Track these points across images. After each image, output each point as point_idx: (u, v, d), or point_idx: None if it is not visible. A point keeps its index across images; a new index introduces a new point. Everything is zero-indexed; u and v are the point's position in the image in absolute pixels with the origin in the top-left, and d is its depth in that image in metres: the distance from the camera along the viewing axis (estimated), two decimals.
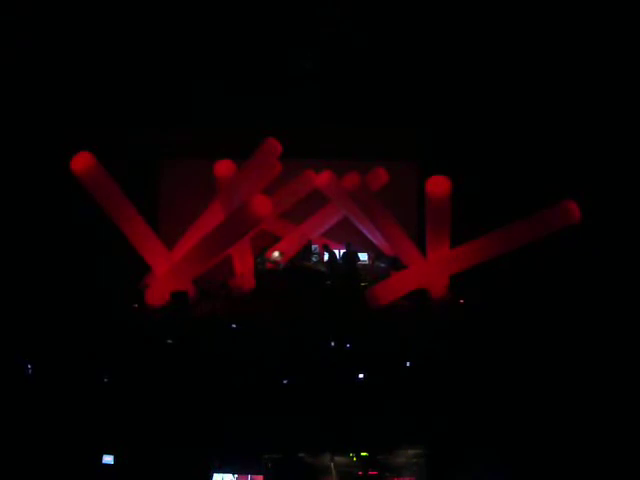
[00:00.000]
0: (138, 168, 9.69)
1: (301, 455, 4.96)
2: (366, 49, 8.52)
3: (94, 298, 7.90)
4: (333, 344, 6.84)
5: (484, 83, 8.82)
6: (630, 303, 7.53)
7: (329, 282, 9.42)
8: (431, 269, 8.32)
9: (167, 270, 8.22)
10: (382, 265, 10.20)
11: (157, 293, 8.10)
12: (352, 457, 5.15)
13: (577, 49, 8.01)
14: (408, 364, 6.59)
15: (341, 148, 10.39)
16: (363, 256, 10.73)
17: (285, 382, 6.24)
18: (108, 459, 5.21)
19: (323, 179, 10.39)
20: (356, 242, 10.72)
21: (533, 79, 8.52)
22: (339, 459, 5.12)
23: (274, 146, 8.91)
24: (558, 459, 5.11)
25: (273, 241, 10.58)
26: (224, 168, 8.40)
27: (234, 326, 7.45)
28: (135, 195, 8.12)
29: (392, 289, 8.49)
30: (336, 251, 10.36)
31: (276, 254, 10.01)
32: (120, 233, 8.00)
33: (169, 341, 6.84)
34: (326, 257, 10.35)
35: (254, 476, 4.80)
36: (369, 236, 10.49)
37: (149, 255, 8.22)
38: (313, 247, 10.44)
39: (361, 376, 6.37)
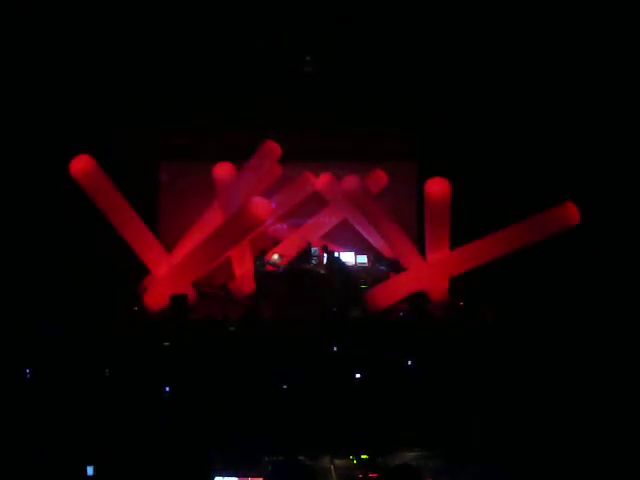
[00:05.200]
0: (137, 170, 9.69)
1: (301, 457, 4.94)
2: (366, 50, 8.52)
3: (93, 301, 7.89)
4: (335, 348, 6.84)
5: (484, 84, 8.83)
6: (631, 304, 7.53)
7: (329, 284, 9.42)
8: (431, 271, 8.31)
9: (166, 273, 8.21)
10: (382, 267, 10.20)
11: (156, 296, 8.09)
12: (352, 460, 5.15)
13: (577, 49, 8.01)
14: (409, 364, 6.59)
15: (340, 150, 10.40)
16: (362, 258, 10.74)
17: (285, 387, 6.24)
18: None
19: (322, 181, 10.41)
20: (356, 244, 10.74)
21: (533, 80, 8.53)
22: (339, 462, 5.11)
23: (273, 148, 8.93)
24: (560, 460, 5.11)
25: (273, 244, 10.58)
26: (224, 170, 8.42)
27: (233, 329, 7.45)
28: (134, 198, 8.13)
29: (392, 291, 8.49)
30: (336, 254, 10.37)
31: (276, 257, 10.01)
32: (119, 236, 8.00)
33: (166, 344, 6.83)
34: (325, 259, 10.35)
35: (254, 478, 4.79)
36: (369, 238, 10.49)
37: (148, 258, 8.22)
38: (313, 250, 10.44)
39: (358, 376, 6.37)
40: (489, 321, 7.45)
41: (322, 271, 9.97)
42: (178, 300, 7.92)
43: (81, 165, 7.60)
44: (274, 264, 9.89)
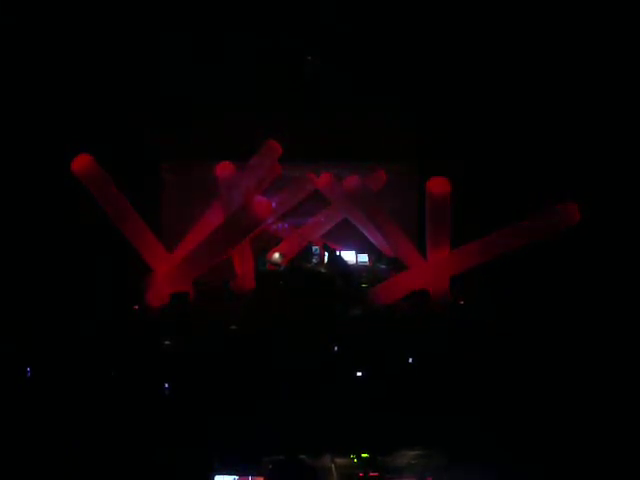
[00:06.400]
0: (139, 170, 9.70)
1: (301, 457, 4.95)
2: (365, 49, 8.52)
3: (94, 299, 7.90)
4: (335, 348, 6.85)
5: (484, 83, 8.82)
6: (631, 305, 7.53)
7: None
8: (431, 270, 8.32)
9: (167, 271, 8.22)
10: (382, 267, 10.22)
11: (157, 294, 8.11)
12: (353, 458, 5.15)
13: (577, 49, 8.00)
14: (409, 362, 6.61)
15: (341, 150, 10.41)
16: (363, 257, 10.77)
17: (285, 386, 6.25)
18: None
19: (323, 181, 10.43)
20: (356, 243, 10.76)
21: (533, 80, 8.52)
22: (340, 460, 5.12)
23: (274, 148, 8.95)
24: (560, 460, 5.12)
25: (274, 243, 10.61)
26: (225, 170, 8.45)
27: (234, 327, 7.46)
28: (136, 197, 8.14)
29: (392, 290, 8.50)
30: (337, 252, 10.40)
31: (276, 256, 10.03)
32: (121, 234, 8.01)
33: (166, 342, 6.85)
34: (326, 258, 10.38)
35: (255, 478, 4.80)
36: (370, 237, 10.51)
37: (149, 257, 8.23)
38: (313, 249, 10.47)
39: (359, 374, 6.39)
40: (489, 321, 7.45)
41: (323, 270, 10.00)
42: (178, 298, 7.93)
43: (82, 164, 7.63)
44: (275, 263, 9.91)
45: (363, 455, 5.15)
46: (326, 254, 10.38)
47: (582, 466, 5.03)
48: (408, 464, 5.03)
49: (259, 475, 4.78)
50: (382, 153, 10.53)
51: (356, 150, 10.34)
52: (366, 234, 10.47)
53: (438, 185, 7.82)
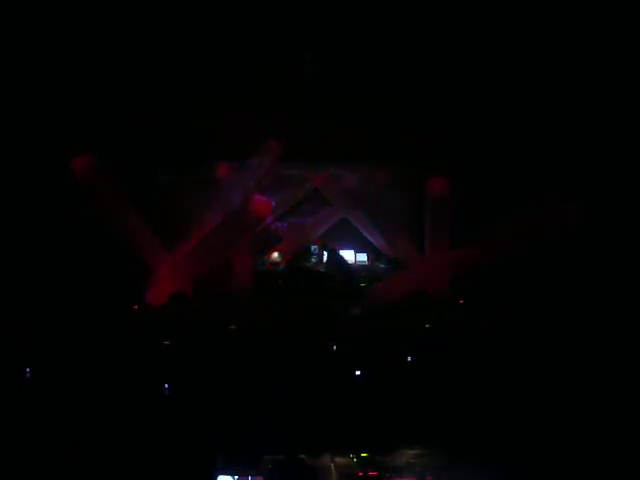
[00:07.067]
0: (139, 170, 9.69)
1: (301, 456, 4.96)
2: (365, 49, 8.52)
3: (94, 299, 7.90)
4: (335, 347, 6.87)
5: (484, 83, 8.82)
6: (629, 304, 7.54)
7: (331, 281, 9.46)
8: (430, 270, 8.34)
9: (167, 271, 8.23)
10: (382, 266, 10.23)
11: (157, 294, 8.12)
12: (352, 458, 5.17)
13: (576, 49, 8.01)
14: (409, 360, 6.63)
15: (341, 150, 10.41)
16: (362, 256, 10.78)
17: (285, 385, 6.26)
18: None
19: (323, 180, 10.44)
20: (356, 243, 10.77)
21: (533, 80, 8.52)
22: (339, 460, 5.13)
23: (274, 147, 8.96)
24: (560, 460, 5.13)
25: (273, 242, 10.62)
26: (225, 170, 8.48)
27: (233, 327, 7.47)
28: (136, 197, 8.15)
29: (391, 289, 8.52)
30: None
31: (276, 255, 10.05)
32: (121, 234, 8.02)
33: (166, 342, 6.86)
34: (325, 257, 10.39)
35: (255, 477, 4.81)
36: (369, 237, 10.52)
37: (149, 257, 8.24)
38: (312, 248, 10.49)
39: (358, 373, 6.41)
40: (489, 320, 7.46)
41: (322, 269, 10.01)
42: (178, 298, 7.94)
43: (82, 164, 7.64)
44: (274, 262, 9.93)
45: (362, 454, 5.16)
46: (325, 253, 10.39)
47: (582, 466, 5.04)
48: (407, 463, 5.05)
49: (259, 474, 4.79)
50: (382, 153, 10.52)
51: (356, 150, 10.33)
52: (365, 234, 10.48)
53: (438, 185, 7.85)
